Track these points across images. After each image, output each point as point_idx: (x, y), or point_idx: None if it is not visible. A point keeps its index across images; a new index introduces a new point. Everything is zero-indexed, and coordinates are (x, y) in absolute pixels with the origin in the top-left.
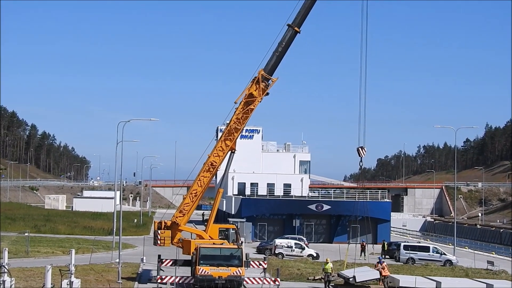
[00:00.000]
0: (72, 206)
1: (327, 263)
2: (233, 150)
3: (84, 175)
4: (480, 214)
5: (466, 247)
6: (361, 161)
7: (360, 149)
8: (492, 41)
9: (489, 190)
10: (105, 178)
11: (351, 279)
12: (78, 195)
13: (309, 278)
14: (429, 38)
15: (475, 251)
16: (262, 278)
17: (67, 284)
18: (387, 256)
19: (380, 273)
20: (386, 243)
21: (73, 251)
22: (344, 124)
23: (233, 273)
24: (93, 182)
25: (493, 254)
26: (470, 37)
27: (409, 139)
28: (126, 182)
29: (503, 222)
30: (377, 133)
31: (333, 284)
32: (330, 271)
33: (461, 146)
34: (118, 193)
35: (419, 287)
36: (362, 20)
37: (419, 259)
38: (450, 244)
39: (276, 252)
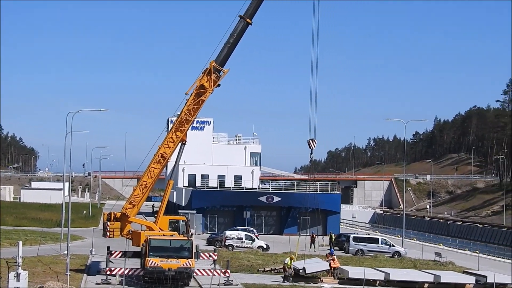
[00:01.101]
0: (20, 197)
1: (291, 259)
2: (183, 142)
3: (32, 166)
4: (428, 206)
5: (415, 239)
6: (311, 153)
7: (310, 141)
8: (441, 33)
9: (437, 182)
10: (54, 169)
11: (301, 271)
12: (26, 186)
13: (259, 269)
14: (379, 30)
15: (423, 243)
16: (212, 270)
17: (14, 276)
18: (336, 248)
19: (330, 265)
20: (333, 234)
21: (20, 242)
22: (295, 116)
23: (183, 265)
24: (41, 173)
25: (440, 245)
26: (418, 29)
27: (359, 132)
28: (75, 173)
29: (451, 214)
30: (328, 125)
31: (283, 275)
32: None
33: (411, 139)
34: (66, 184)
35: (368, 278)
36: (314, 13)
37: (368, 250)
38: (399, 235)
39: (226, 243)
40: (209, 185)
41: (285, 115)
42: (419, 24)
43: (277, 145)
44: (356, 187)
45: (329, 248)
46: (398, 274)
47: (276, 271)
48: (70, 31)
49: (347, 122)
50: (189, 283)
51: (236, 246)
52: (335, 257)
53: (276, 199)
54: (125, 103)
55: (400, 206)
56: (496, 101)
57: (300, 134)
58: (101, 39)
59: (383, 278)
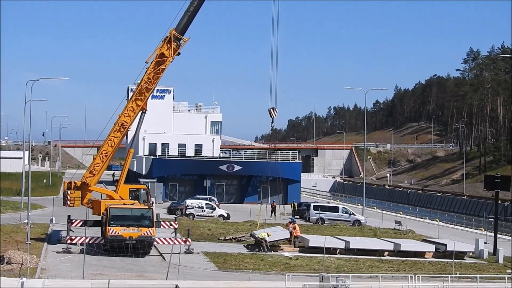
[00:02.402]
0: None
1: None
2: (144, 110)
3: None
4: (388, 175)
5: (375, 208)
6: (272, 122)
7: (271, 110)
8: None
9: (397, 151)
10: (14, 138)
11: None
12: None
13: (220, 238)
14: None
15: (384, 211)
16: (172, 239)
17: None
18: (297, 217)
19: (291, 233)
20: (296, 203)
21: None
22: (256, 85)
23: (144, 234)
24: (1, 141)
25: (400, 214)
26: None
27: (319, 101)
28: (35, 142)
29: (411, 183)
30: (288, 94)
31: (245, 244)
32: (261, 237)
33: (371, 108)
34: (26, 153)
35: (329, 247)
36: None
37: (329, 219)
38: (359, 204)
39: (187, 212)
40: (170, 154)
41: (245, 84)
42: None
43: (238, 114)
44: (317, 156)
45: (290, 217)
46: (358, 242)
47: (236, 239)
48: None
49: (307, 91)
50: (149, 252)
51: (197, 215)
52: (296, 225)
53: (236, 168)
54: (85, 72)
55: (361, 175)
56: (456, 70)
57: (261, 103)
58: (59, 5)
59: (343, 247)
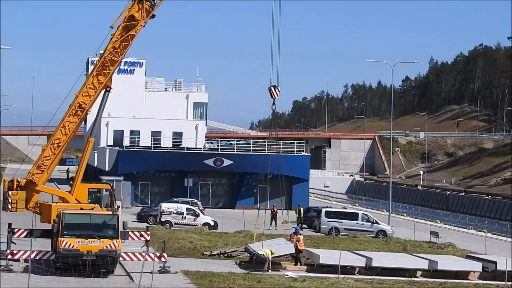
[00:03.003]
0: None
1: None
2: (108, 88)
3: None
4: (422, 172)
5: (404, 214)
6: (273, 103)
7: (272, 88)
8: None
9: (433, 142)
10: None
11: (260, 255)
12: None
13: (205, 253)
14: None
15: (416, 219)
16: (143, 254)
17: None
18: (304, 226)
19: (296, 247)
20: (302, 208)
21: None
22: (251, 57)
23: (106, 247)
24: None
25: (437, 223)
26: None
27: (334, 77)
28: None
29: (451, 183)
30: (294, 69)
31: (237, 261)
32: (266, 254)
33: (399, 86)
34: None
35: (345, 265)
36: None
37: (345, 229)
38: (384, 210)
39: (163, 220)
40: (141, 145)
41: (238, 56)
42: None
43: (229, 94)
44: (330, 147)
45: (295, 226)
46: (383, 259)
47: (226, 255)
48: None
49: (318, 65)
50: (114, 270)
51: (175, 223)
52: (300, 236)
53: (226, 162)
54: (33, 40)
55: (386, 172)
56: (509, 38)
57: (259, 81)
58: None
59: (363, 265)
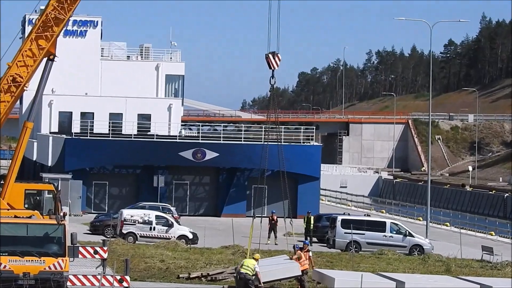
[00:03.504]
0: None
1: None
2: (51, 57)
3: None
4: (471, 168)
5: (447, 224)
6: (272, 76)
7: (270, 56)
8: None
9: (486, 127)
10: None
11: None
12: None
13: (182, 275)
14: None
15: (463, 231)
16: (99, 276)
17: None
18: (314, 239)
19: (307, 264)
20: (312, 216)
21: None
22: (241, 17)
23: (49, 268)
24: None
25: (492, 235)
26: None
27: (352, 41)
28: None
29: (509, 182)
30: (299, 31)
31: (224, 286)
32: (249, 271)
33: (441, 54)
34: None
35: None
36: None
37: (368, 243)
38: (421, 218)
39: (124, 231)
40: (95, 131)
41: (225, 15)
42: None
43: (212, 65)
44: (348, 134)
45: (303, 240)
46: (419, 283)
47: (210, 278)
48: None
49: (332, 25)
50: None
51: (141, 236)
52: (308, 253)
53: (210, 154)
54: None
55: (423, 168)
56: None
57: (253, 47)
58: None
59: None
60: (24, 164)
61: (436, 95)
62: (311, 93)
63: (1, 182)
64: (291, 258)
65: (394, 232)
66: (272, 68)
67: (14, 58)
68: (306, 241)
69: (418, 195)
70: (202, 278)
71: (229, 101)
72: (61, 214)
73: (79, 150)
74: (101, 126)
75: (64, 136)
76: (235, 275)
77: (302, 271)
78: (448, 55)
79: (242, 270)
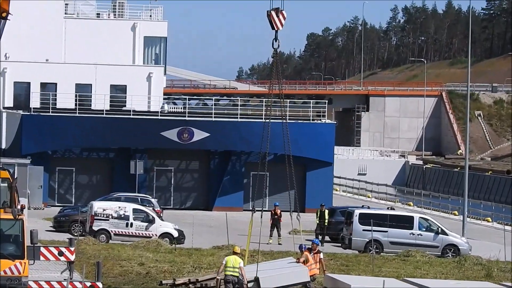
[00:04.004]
0: None
1: (236, 254)
2: (3, 14)
3: None
4: None
5: (489, 219)
6: (275, 39)
7: (273, 14)
8: None
9: None
10: None
11: (250, 284)
12: None
13: (165, 282)
14: None
15: (507, 227)
16: (65, 282)
17: None
18: (327, 238)
19: (319, 266)
20: (326, 209)
21: None
22: None
23: (5, 272)
24: None
25: None
26: None
27: None
28: None
29: None
30: None
31: None
32: (237, 273)
33: (482, 10)
34: None
35: None
36: None
37: (392, 243)
38: (457, 212)
39: (95, 228)
40: (58, 107)
41: None
42: None
43: (201, 25)
44: (368, 110)
45: (313, 239)
46: None
47: (199, 285)
48: None
49: None
50: None
51: (116, 234)
52: (308, 254)
53: (199, 135)
54: None
55: (460, 151)
56: None
57: (251, 2)
58: None
59: None
60: None
61: (477, 61)
62: (323, 59)
63: None
64: (297, 261)
65: (424, 229)
66: (276, 29)
67: None
68: (316, 240)
69: (453, 184)
70: (190, 285)
71: (222, 70)
72: (18, 207)
73: (39, 130)
74: (65, 100)
75: (21, 112)
76: (219, 278)
77: (310, 276)
78: (491, 11)
79: (229, 274)
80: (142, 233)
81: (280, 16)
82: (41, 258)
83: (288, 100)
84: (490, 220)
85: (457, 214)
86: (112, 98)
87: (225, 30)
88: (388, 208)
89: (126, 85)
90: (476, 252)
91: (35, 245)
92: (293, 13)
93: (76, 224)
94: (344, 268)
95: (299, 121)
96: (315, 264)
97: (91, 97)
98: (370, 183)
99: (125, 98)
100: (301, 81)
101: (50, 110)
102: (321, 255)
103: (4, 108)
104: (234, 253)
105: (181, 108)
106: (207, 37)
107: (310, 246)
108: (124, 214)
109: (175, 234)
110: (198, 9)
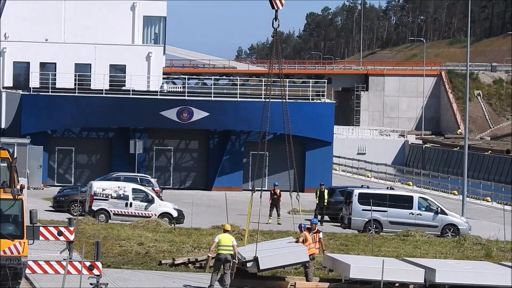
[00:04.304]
0: None
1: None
2: None
3: None
4: None
5: (488, 199)
6: (275, 18)
7: None
8: None
9: None
10: None
11: (249, 264)
12: None
13: (164, 261)
14: None
15: (507, 207)
16: (64, 262)
17: None
18: (326, 218)
19: (316, 245)
20: (325, 189)
21: None
22: None
23: (4, 252)
24: None
25: None
26: None
27: None
28: None
29: None
30: None
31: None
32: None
33: None
34: None
35: (392, 281)
36: None
37: (392, 222)
38: (456, 192)
39: (95, 207)
40: (58, 86)
41: None
42: None
43: (200, 4)
44: (367, 90)
45: (312, 218)
46: (453, 271)
47: (199, 264)
48: None
49: None
50: None
51: (115, 214)
52: (307, 234)
53: (198, 114)
54: None
55: (459, 131)
56: None
57: None
58: None
59: (421, 280)
60: None
61: (476, 41)
62: (322, 39)
63: None
64: (296, 240)
65: (423, 208)
66: (276, 8)
67: None
68: (314, 220)
69: (452, 163)
70: (189, 265)
71: (222, 49)
72: (18, 187)
73: (38, 109)
74: (65, 79)
75: (20, 92)
76: (210, 256)
77: (309, 256)
78: None
79: (224, 253)
80: (141, 213)
81: None
82: (41, 238)
83: (287, 80)
84: (490, 200)
85: (456, 193)
86: (111, 77)
87: (224, 9)
88: (387, 187)
89: (125, 65)
90: (476, 232)
91: (35, 225)
92: None
93: (76, 204)
94: (344, 248)
95: (298, 101)
96: (314, 243)
97: (90, 77)
98: (370, 162)
99: (125, 78)
100: (301, 61)
101: (50, 90)
102: (321, 235)
103: (3, 88)
104: (225, 231)
105: (180, 87)
106: (206, 16)
107: (309, 226)
108: (123, 194)
109: (175, 213)
110: None
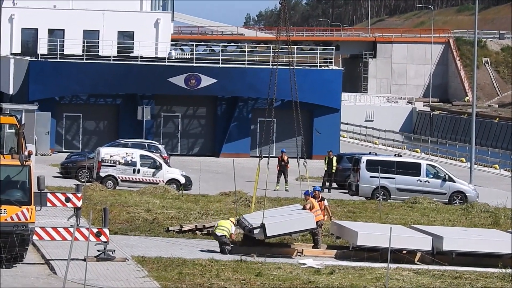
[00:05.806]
0: None
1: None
2: None
3: None
4: None
5: (496, 166)
6: None
7: None
8: None
9: None
10: None
11: (255, 231)
12: None
13: (172, 228)
14: None
15: None
16: (71, 229)
17: None
18: (334, 185)
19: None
20: (333, 156)
21: None
22: None
23: (11, 218)
24: None
25: None
26: None
27: None
28: None
29: None
30: None
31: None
32: (226, 232)
33: None
34: None
35: (398, 248)
36: None
37: (399, 189)
38: (464, 159)
39: (102, 174)
40: (66, 53)
41: None
42: None
43: None
44: (375, 57)
45: (316, 186)
46: (460, 239)
47: (206, 231)
48: None
49: None
50: (25, 256)
51: (123, 180)
52: (313, 201)
53: (206, 81)
54: None
55: (467, 98)
56: None
57: None
58: None
59: (429, 248)
60: None
61: (484, 8)
62: (330, 6)
63: None
64: (304, 207)
65: (431, 176)
66: None
67: None
68: (317, 187)
69: (460, 131)
70: (197, 232)
71: (230, 16)
72: (26, 153)
73: (46, 76)
74: (73, 46)
75: (28, 58)
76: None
77: (316, 222)
78: None
79: (218, 232)
80: (149, 179)
81: None
82: (48, 204)
83: (295, 47)
84: (498, 167)
85: (464, 161)
86: (119, 44)
87: None
88: (395, 154)
89: (133, 32)
90: (483, 199)
91: (42, 191)
92: None
93: (83, 170)
94: (351, 215)
95: (306, 68)
96: (320, 210)
97: (98, 43)
98: (377, 129)
99: (133, 45)
100: (308, 28)
101: (58, 57)
102: (326, 202)
103: (11, 54)
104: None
105: (188, 54)
106: None
107: (314, 195)
108: (131, 160)
109: (182, 180)
110: None
